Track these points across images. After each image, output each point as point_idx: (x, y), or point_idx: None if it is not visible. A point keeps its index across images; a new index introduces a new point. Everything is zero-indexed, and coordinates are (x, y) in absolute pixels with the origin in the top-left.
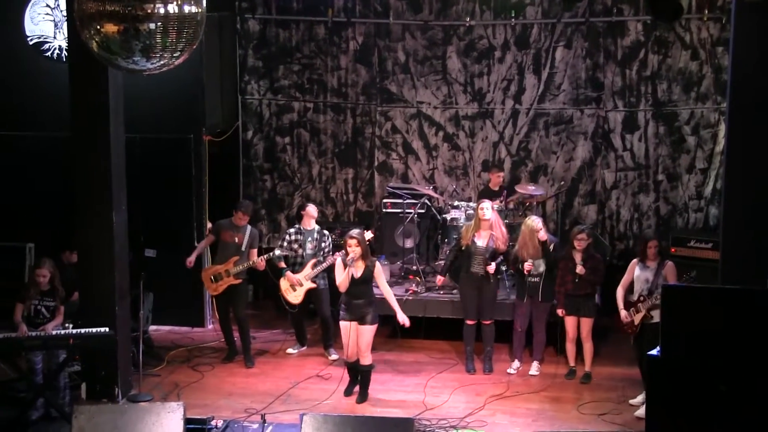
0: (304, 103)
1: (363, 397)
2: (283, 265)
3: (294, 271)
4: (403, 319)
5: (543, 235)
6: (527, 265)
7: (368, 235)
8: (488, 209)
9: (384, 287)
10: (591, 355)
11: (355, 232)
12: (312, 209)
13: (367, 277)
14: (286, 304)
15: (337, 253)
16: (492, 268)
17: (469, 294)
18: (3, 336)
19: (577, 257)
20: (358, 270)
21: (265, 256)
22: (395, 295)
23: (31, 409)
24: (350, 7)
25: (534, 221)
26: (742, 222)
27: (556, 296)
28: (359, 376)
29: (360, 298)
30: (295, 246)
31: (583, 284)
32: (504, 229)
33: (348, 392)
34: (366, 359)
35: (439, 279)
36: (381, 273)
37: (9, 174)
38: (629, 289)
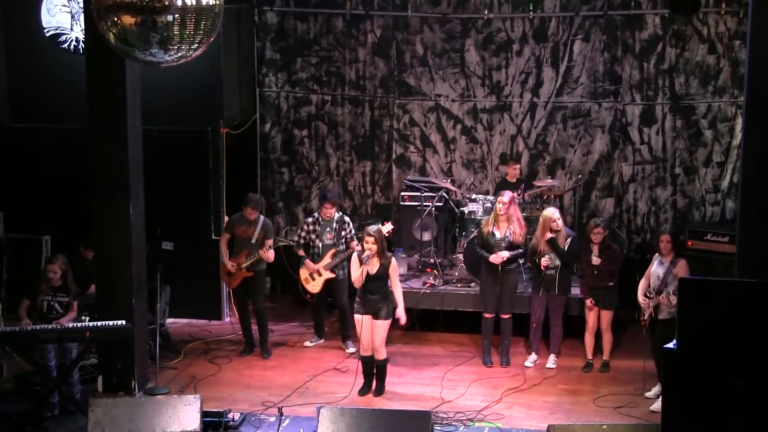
0: (322, 96)
1: (380, 391)
2: (302, 253)
3: (312, 261)
4: (401, 315)
5: (558, 225)
6: (544, 261)
7: (388, 227)
8: (505, 204)
9: (395, 284)
10: (610, 345)
11: (372, 229)
12: (329, 207)
13: (382, 275)
14: (305, 293)
15: (356, 246)
16: (504, 255)
17: (490, 286)
18: (19, 329)
19: (594, 249)
20: (373, 267)
21: (269, 245)
22: (413, 288)
23: (46, 404)
24: (368, 0)
25: (550, 212)
26: (758, 215)
27: (581, 287)
28: (375, 371)
29: (375, 294)
30: (312, 236)
31: (602, 276)
32: (522, 223)
33: (363, 392)
34: (381, 354)
35: (500, 256)
36: (395, 270)
37: (26, 166)
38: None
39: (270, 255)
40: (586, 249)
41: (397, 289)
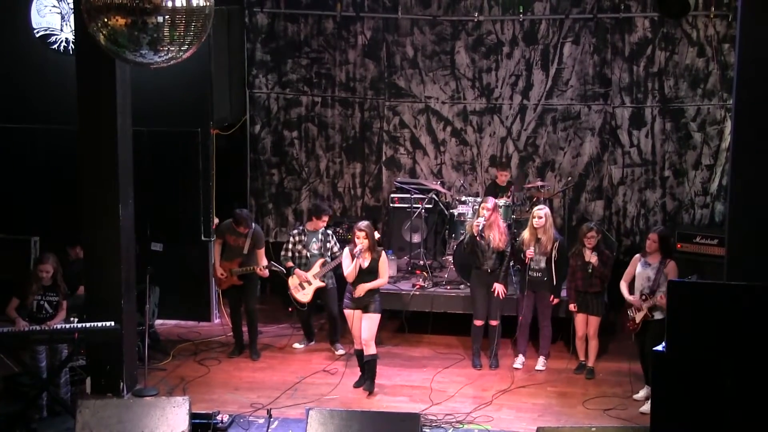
0: (312, 98)
1: (370, 389)
2: (290, 264)
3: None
4: (363, 289)
5: (540, 222)
6: (529, 252)
7: (376, 234)
8: (488, 210)
9: (382, 277)
10: (596, 352)
11: (363, 224)
12: (323, 221)
13: (374, 268)
14: (295, 302)
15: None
16: (500, 289)
17: (480, 292)
18: (8, 330)
19: (587, 253)
20: (364, 261)
21: (267, 266)
22: (402, 289)
23: (35, 404)
24: (359, 2)
25: (535, 208)
26: (747, 218)
27: (567, 292)
28: (366, 367)
29: None
30: (299, 247)
31: (593, 281)
32: (502, 229)
33: (358, 384)
34: (370, 348)
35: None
36: (385, 262)
37: (14, 167)
38: (630, 285)
39: (266, 273)
40: (578, 253)
41: (379, 282)
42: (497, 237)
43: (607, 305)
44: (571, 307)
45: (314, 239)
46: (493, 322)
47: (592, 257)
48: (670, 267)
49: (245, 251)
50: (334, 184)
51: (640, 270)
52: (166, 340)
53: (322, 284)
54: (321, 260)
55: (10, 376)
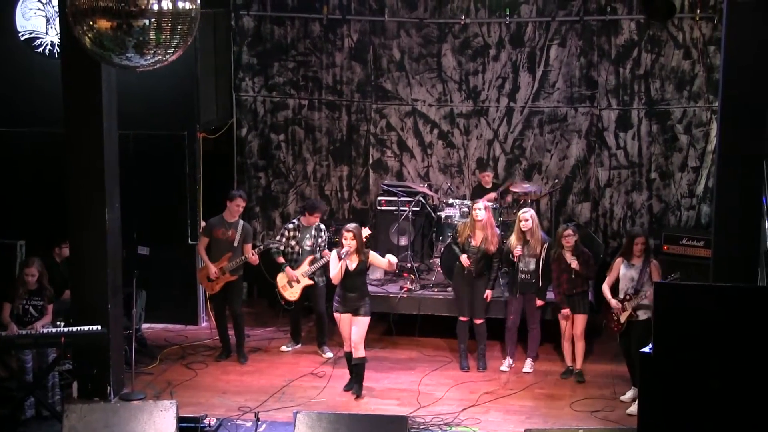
0: (299, 101)
1: (358, 392)
2: (282, 260)
3: (291, 268)
4: (393, 260)
5: (527, 225)
6: (517, 251)
7: (366, 232)
8: (481, 210)
9: (380, 264)
10: (582, 353)
11: (351, 225)
12: (316, 217)
13: (362, 270)
14: (283, 300)
15: (328, 254)
16: (466, 261)
17: (462, 291)
18: None
19: (567, 256)
20: (352, 263)
21: (257, 250)
22: (389, 292)
23: (21, 408)
24: (345, 5)
25: (521, 211)
26: (733, 220)
27: (555, 295)
28: (354, 370)
29: (354, 291)
30: (293, 243)
31: (577, 281)
32: (496, 230)
33: (348, 387)
34: (359, 351)
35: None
36: (376, 256)
37: (0, 170)
38: (614, 288)
39: (256, 258)
40: (559, 256)
41: (383, 263)
42: (490, 238)
43: (594, 306)
44: (565, 311)
45: (308, 235)
46: (478, 321)
47: (572, 261)
48: (653, 266)
49: (235, 244)
50: (321, 187)
51: (623, 271)
52: (153, 344)
53: (311, 282)
54: (310, 258)
55: None
